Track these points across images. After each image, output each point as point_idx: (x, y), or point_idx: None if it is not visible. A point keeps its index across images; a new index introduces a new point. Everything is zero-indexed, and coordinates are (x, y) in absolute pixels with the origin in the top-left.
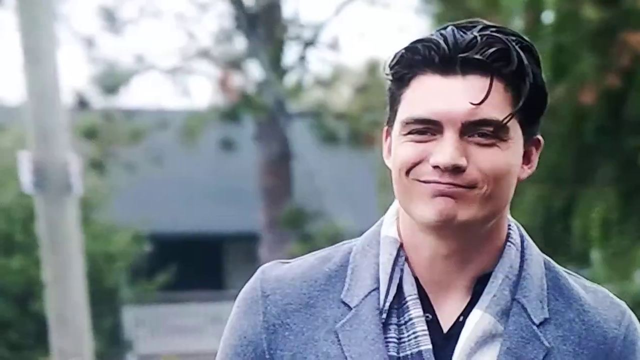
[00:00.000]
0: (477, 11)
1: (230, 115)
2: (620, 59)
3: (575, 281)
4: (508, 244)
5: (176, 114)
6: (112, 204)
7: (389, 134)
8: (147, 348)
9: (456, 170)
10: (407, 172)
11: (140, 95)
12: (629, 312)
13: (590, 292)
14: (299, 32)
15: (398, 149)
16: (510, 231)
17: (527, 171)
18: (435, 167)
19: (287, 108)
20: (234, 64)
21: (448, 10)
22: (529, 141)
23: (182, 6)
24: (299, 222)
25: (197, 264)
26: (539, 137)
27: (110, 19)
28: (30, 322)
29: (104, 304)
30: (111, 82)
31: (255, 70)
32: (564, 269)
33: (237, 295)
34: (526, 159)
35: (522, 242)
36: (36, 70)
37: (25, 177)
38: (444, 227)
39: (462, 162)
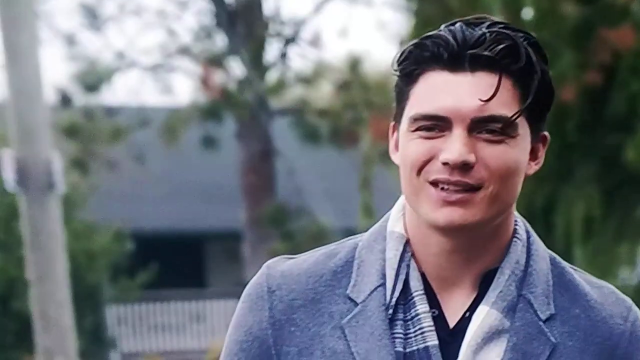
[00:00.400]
0: (456, 8)
1: (212, 112)
2: (600, 56)
3: (580, 277)
4: (514, 239)
5: (157, 112)
6: (93, 202)
7: (395, 129)
8: (130, 346)
9: (465, 167)
10: (418, 172)
11: (121, 92)
12: (635, 308)
13: (596, 288)
14: (279, 29)
15: (407, 146)
16: (517, 227)
17: (534, 167)
18: (445, 163)
19: (269, 105)
20: (215, 61)
21: (427, 7)
22: (536, 137)
23: (162, 3)
24: (281, 219)
25: (178, 262)
26: (546, 133)
27: (91, 16)
28: (11, 320)
29: (86, 303)
30: (92, 80)
31: (236, 68)
32: (569, 265)
33: (218, 293)
34: (533, 155)
35: (528, 237)
36: (18, 67)
37: (8, 176)
38: (452, 230)
39: (471, 158)
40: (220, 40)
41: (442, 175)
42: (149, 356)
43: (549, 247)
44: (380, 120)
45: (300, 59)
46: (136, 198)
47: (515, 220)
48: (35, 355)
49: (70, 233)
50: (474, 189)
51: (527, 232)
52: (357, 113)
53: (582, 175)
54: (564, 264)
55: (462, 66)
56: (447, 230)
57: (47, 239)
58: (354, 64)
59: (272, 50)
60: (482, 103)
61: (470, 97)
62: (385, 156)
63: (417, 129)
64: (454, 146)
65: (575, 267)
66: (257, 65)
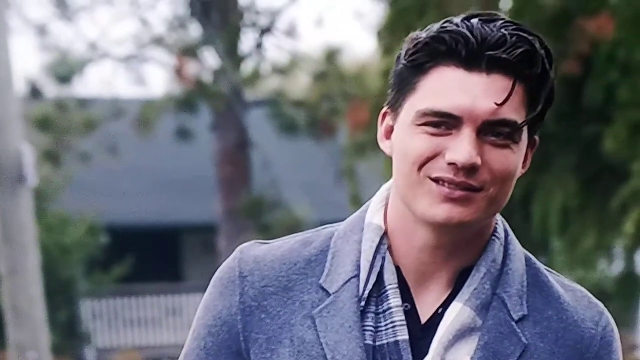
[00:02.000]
0: (433, 0)
1: (187, 104)
2: (579, 45)
3: (555, 279)
4: (493, 238)
5: (131, 103)
6: (66, 195)
7: (386, 116)
8: (105, 341)
9: (472, 169)
10: (420, 168)
11: (94, 84)
12: (607, 313)
13: (570, 291)
14: (255, 19)
15: (409, 140)
16: (497, 226)
17: (522, 171)
18: (451, 164)
19: (244, 96)
20: (190, 51)
21: None
22: (529, 142)
23: None
24: (257, 212)
25: (154, 256)
26: (536, 137)
27: (63, 6)
28: None
29: (59, 297)
30: (65, 71)
31: (211, 58)
32: (544, 266)
33: (195, 287)
34: (524, 159)
35: (507, 237)
36: None
37: None
38: (449, 226)
39: (479, 161)
40: (195, 31)
41: (447, 174)
42: (124, 351)
43: (527, 238)
44: (357, 111)
45: (276, 50)
46: (110, 191)
47: (496, 219)
48: (7, 350)
49: (43, 226)
50: (476, 190)
51: (506, 231)
52: (334, 104)
53: (560, 165)
54: (539, 265)
55: (479, 66)
56: (443, 227)
57: (19, 232)
58: (331, 55)
59: (247, 41)
60: (496, 106)
61: (485, 99)
62: (364, 148)
63: (424, 124)
64: (463, 147)
65: (550, 269)
66: (232, 55)
